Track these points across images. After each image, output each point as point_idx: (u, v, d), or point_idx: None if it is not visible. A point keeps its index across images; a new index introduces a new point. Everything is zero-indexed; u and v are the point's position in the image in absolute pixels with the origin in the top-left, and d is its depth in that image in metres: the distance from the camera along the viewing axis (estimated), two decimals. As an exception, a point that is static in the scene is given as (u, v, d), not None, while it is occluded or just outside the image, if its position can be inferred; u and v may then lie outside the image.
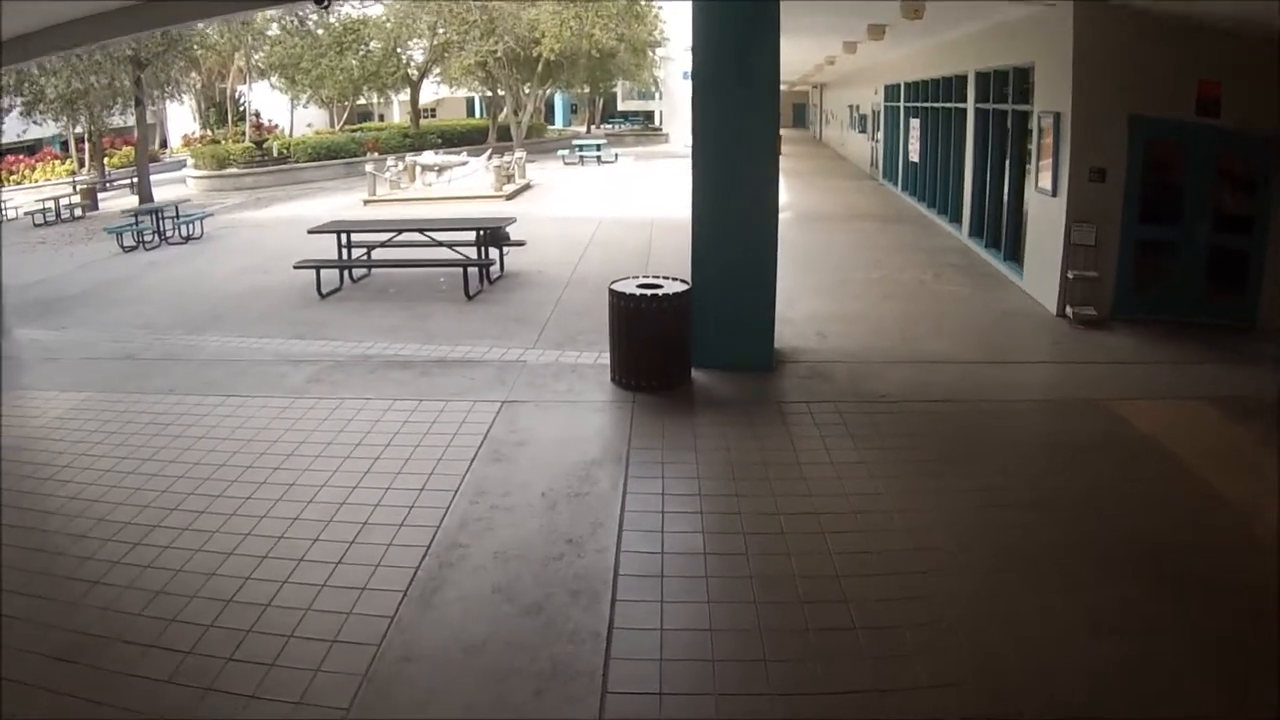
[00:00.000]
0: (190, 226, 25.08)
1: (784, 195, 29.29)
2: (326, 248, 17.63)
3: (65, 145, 53.29)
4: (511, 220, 17.84)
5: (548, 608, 6.20)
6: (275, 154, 42.93)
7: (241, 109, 55.18)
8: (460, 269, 16.11)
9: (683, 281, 11.00)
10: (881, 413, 10.03)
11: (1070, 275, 13.75)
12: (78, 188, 35.36)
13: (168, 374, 11.64)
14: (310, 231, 17.70)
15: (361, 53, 47.94)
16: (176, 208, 25.76)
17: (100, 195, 36.46)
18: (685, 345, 10.88)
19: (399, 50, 49.03)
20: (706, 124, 11.05)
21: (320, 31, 45.82)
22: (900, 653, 5.67)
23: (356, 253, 17.60)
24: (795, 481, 8.23)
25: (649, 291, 10.60)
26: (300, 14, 39.52)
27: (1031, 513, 7.51)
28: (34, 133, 46.89)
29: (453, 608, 6.25)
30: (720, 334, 11.15)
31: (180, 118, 63.78)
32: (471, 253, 17.05)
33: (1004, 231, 17.78)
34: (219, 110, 57.66)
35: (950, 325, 13.73)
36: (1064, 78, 13.69)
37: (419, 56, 50.86)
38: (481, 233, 16.86)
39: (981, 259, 18.77)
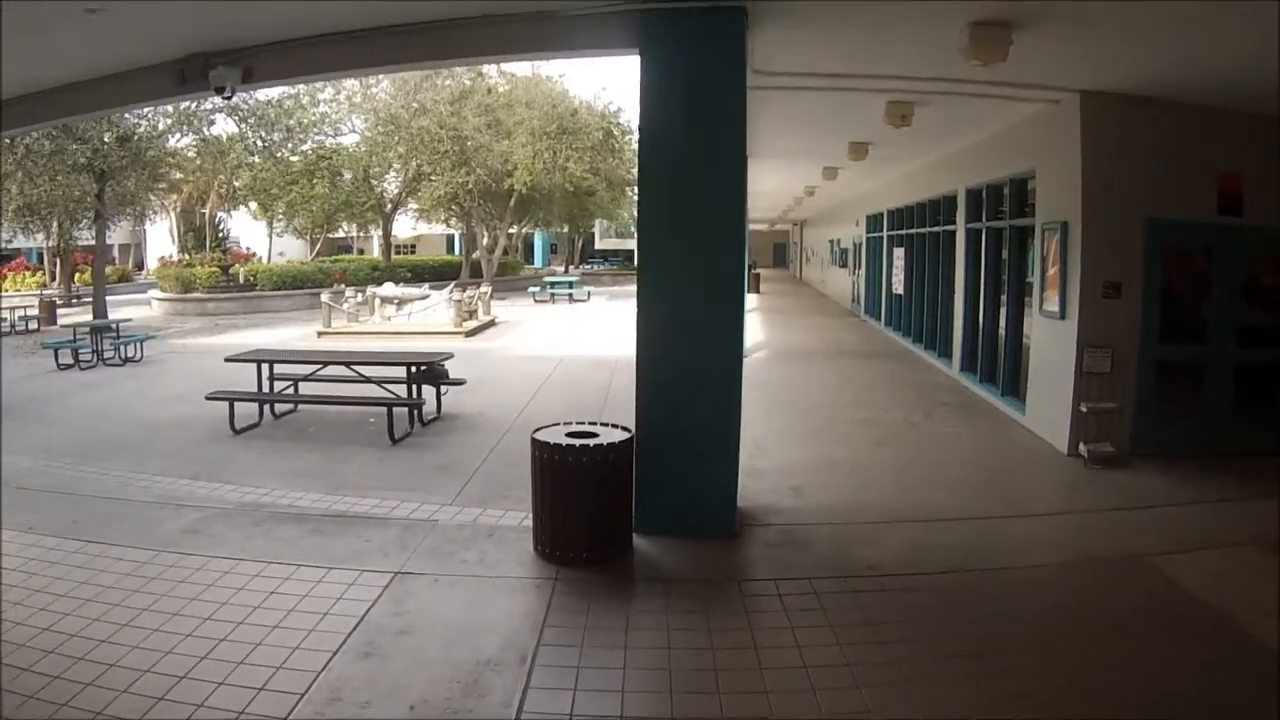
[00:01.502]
0: (129, 348, 23.68)
1: (758, 333, 28.36)
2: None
3: (40, 257, 52.91)
4: (448, 355, 15.90)
5: None
6: (241, 281, 41.53)
7: (221, 235, 54.45)
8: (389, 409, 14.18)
9: (624, 429, 9.09)
10: (871, 590, 8.07)
11: (1084, 408, 12.12)
12: (40, 301, 34.42)
13: (38, 508, 10.06)
14: (228, 360, 15.97)
15: (333, 182, 46.83)
16: (117, 326, 24.31)
17: (61, 310, 35.61)
18: (625, 507, 8.91)
19: (371, 180, 47.90)
20: (654, 231, 9.36)
21: (294, 159, 44.69)
22: None
23: (282, 386, 15.85)
24: (754, 696, 6.23)
25: (580, 442, 8.64)
26: (266, 140, 38.27)
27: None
28: (19, 242, 46.61)
29: None
30: (671, 491, 9.21)
31: (161, 240, 63.38)
32: (405, 392, 15.16)
33: (1001, 364, 16.24)
34: (198, 234, 57.12)
35: (948, 473, 12.01)
36: (1071, 181, 12.28)
37: (393, 188, 49.91)
38: (413, 369, 14.93)
39: (976, 395, 17.26)
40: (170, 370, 22.29)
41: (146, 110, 32.36)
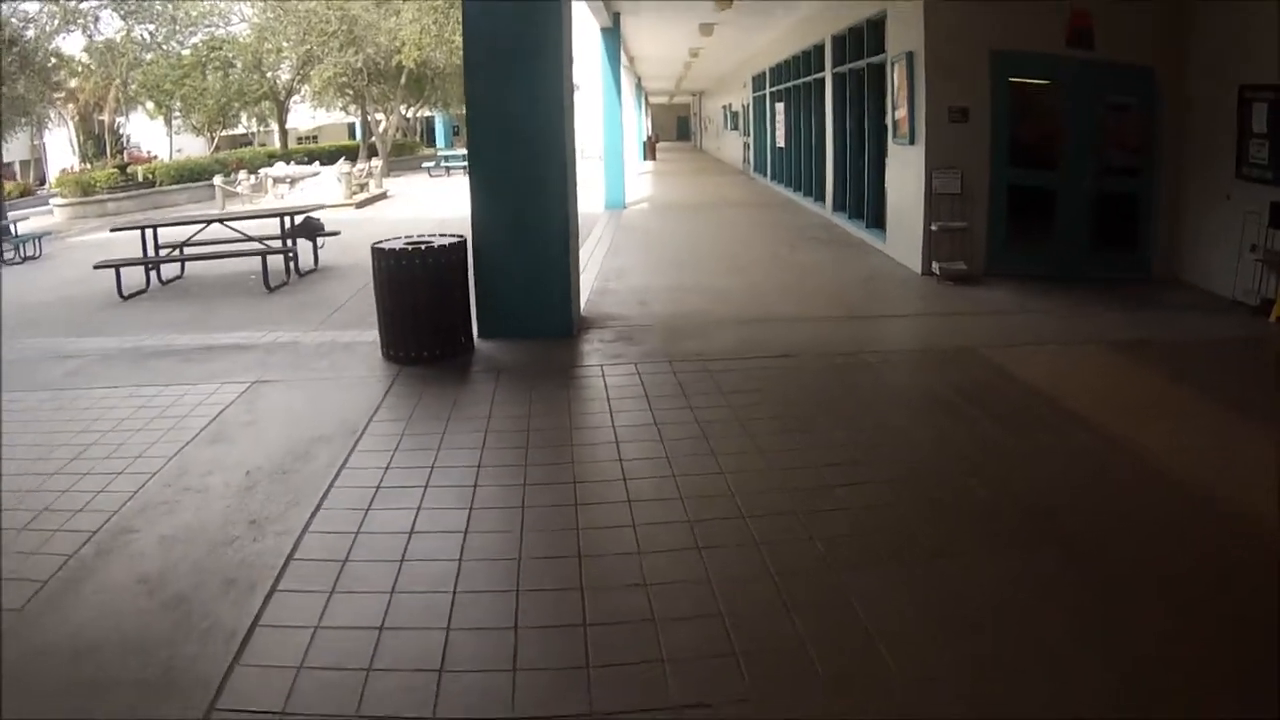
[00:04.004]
0: (28, 246, 23.32)
1: (646, 190, 28.55)
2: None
3: (-59, 178, 51.39)
4: (319, 206, 16.24)
5: (192, 600, 4.75)
6: (140, 179, 40.92)
7: (120, 140, 53.21)
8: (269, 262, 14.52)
9: (456, 236, 9.56)
10: (695, 372, 8.62)
11: (934, 227, 12.48)
12: None
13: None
14: (113, 229, 16.13)
15: (224, 73, 46.08)
16: (15, 226, 24.00)
17: None
18: (463, 309, 9.46)
19: (263, 69, 47.09)
20: (479, 56, 9.72)
21: (185, 52, 43.98)
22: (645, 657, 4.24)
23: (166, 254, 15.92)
24: (558, 449, 6.84)
25: (413, 246, 9.15)
26: (153, 34, 37.59)
27: (884, 482, 6.05)
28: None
29: (86, 602, 4.80)
30: (510, 299, 9.79)
31: (62, 154, 61.73)
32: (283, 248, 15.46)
33: (866, 198, 16.67)
34: (97, 142, 55.74)
35: (802, 290, 12.52)
36: (916, 15, 12.58)
37: (285, 76, 49.07)
38: (287, 222, 15.26)
39: (846, 231, 17.71)
40: (68, 262, 21.80)
41: (29, 11, 31.78)
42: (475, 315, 9.78)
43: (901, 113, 13.40)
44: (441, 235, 9.55)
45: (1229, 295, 10.85)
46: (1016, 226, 12.76)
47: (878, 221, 15.80)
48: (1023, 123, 12.84)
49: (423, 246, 9.08)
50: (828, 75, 19.41)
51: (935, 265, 12.55)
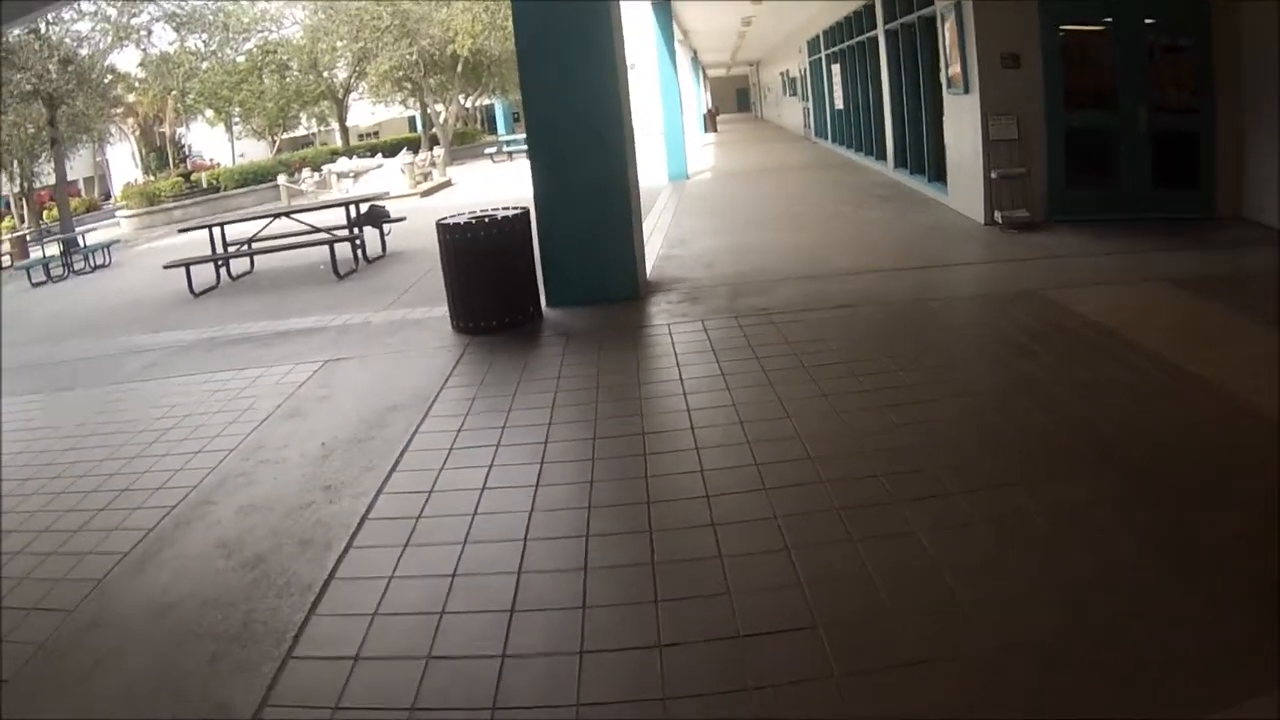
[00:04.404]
0: (98, 256, 23.90)
1: (708, 160, 28.48)
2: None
3: (9, 204, 52.20)
4: (385, 194, 16.36)
5: (269, 560, 4.81)
6: (205, 185, 41.43)
7: (183, 151, 53.82)
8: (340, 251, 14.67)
9: (519, 208, 9.56)
10: (758, 323, 8.54)
11: (994, 175, 12.19)
12: (7, 238, 34.17)
13: (9, 379, 10.29)
14: (181, 230, 16.35)
15: (281, 75, 46.54)
16: (83, 237, 24.52)
17: (33, 247, 35.38)
18: (529, 277, 9.48)
19: (319, 68, 47.48)
20: (530, 35, 9.69)
21: (240, 59, 44.48)
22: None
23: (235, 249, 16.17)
24: (626, 403, 6.81)
25: (477, 218, 9.19)
26: (207, 43, 38.06)
27: (947, 419, 5.92)
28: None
29: (167, 567, 4.92)
30: (577, 267, 9.78)
31: (125, 168, 62.55)
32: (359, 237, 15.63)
33: (926, 153, 16.36)
34: (159, 155, 56.46)
35: (864, 244, 12.33)
36: None
37: (342, 74, 49.43)
38: (352, 211, 15.38)
39: (909, 188, 17.36)
40: (137, 267, 22.45)
41: (82, 30, 32.24)
42: (542, 284, 9.80)
43: (955, 63, 13.14)
44: (504, 208, 9.53)
45: None
46: (1077, 170, 12.38)
47: (939, 175, 15.50)
48: (1076, 64, 12.47)
49: (485, 219, 9.09)
50: (880, 32, 19.08)
51: (997, 214, 12.28)
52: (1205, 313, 7.79)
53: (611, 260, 9.84)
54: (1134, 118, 11.77)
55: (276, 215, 15.70)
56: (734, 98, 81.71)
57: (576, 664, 3.69)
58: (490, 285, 9.14)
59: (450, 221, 9.20)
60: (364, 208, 16.00)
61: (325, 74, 48.72)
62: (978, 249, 11.42)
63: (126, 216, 39.17)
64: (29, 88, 30.67)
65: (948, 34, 13.24)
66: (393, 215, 16.78)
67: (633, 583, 4.25)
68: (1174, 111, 11.95)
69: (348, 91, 50.81)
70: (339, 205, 15.72)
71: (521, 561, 4.52)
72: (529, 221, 9.45)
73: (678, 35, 28.14)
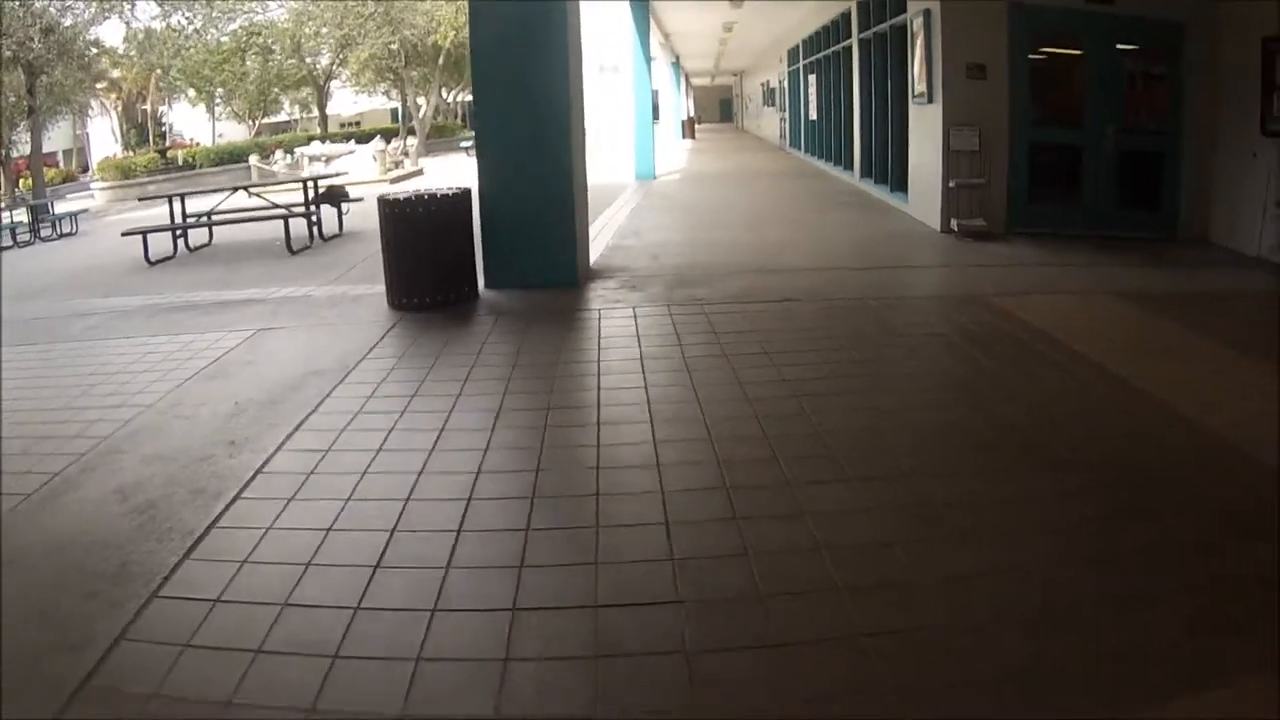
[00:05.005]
0: (65, 224, 23.85)
1: (679, 163, 28.60)
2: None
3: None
4: (344, 174, 16.39)
5: (159, 506, 4.83)
6: (180, 163, 41.33)
7: (163, 128, 53.64)
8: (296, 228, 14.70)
9: (460, 188, 9.60)
10: (690, 315, 8.59)
11: (952, 184, 12.26)
12: None
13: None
14: (140, 199, 16.33)
15: (264, 58, 46.45)
16: (52, 205, 24.49)
17: (5, 215, 35.17)
18: (467, 259, 9.51)
19: (301, 52, 47.40)
20: (488, 33, 9.77)
21: (224, 39, 44.38)
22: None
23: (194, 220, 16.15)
24: (539, 380, 6.86)
25: (416, 194, 9.21)
26: (189, 20, 37.96)
27: (864, 409, 5.95)
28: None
29: (66, 510, 4.94)
30: (517, 252, 9.80)
31: (105, 143, 62.28)
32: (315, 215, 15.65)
33: (890, 163, 16.49)
34: (140, 131, 56.27)
35: (816, 245, 12.44)
36: None
37: (325, 61, 49.37)
38: (310, 187, 15.42)
39: (873, 197, 17.51)
40: (103, 237, 22.26)
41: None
42: (483, 267, 9.84)
43: (920, 71, 13.23)
44: (447, 188, 9.57)
45: (1254, 253, 10.54)
46: (1040, 184, 12.52)
47: (901, 185, 15.54)
48: (1045, 80, 12.63)
49: (425, 195, 9.12)
50: (854, 42, 19.28)
51: (954, 222, 12.36)
52: (1152, 326, 7.88)
53: (551, 247, 9.86)
54: (1102, 135, 11.92)
55: (235, 189, 15.70)
56: (717, 108, 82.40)
57: (427, 621, 3.72)
58: (428, 263, 9.15)
59: (391, 196, 9.23)
60: (324, 185, 15.98)
61: (308, 59, 48.63)
62: (930, 254, 11.52)
63: (101, 189, 39.06)
64: (9, 54, 30.50)
65: (917, 41, 13.31)
66: (355, 197, 16.78)
67: (504, 547, 4.29)
68: (1142, 132, 12.12)
69: (329, 78, 50.74)
70: (298, 183, 15.69)
71: (398, 521, 4.56)
72: (469, 201, 9.49)
73: (659, 38, 28.21)
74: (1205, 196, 11.58)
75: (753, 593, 3.84)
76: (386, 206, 9.16)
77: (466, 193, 9.46)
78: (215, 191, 16.01)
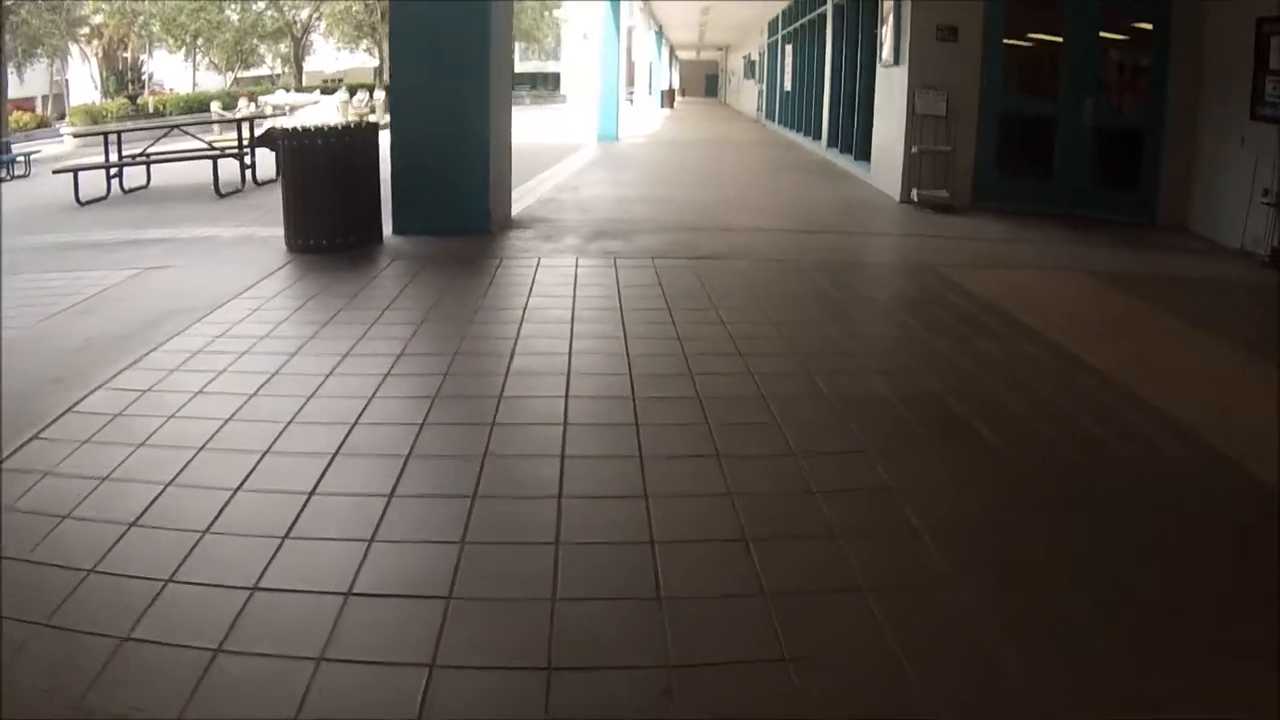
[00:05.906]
0: (16, 166, 23.31)
1: (650, 128, 28.33)
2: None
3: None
4: (282, 113, 15.95)
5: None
6: (151, 110, 40.81)
7: (143, 77, 53.11)
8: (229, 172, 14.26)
9: (366, 123, 9.18)
10: (600, 266, 8.20)
11: (914, 149, 11.73)
12: None
13: None
14: (75, 134, 15.87)
15: (242, 7, 45.93)
16: (8, 148, 24.00)
17: None
18: (372, 201, 9.07)
19: (279, 3, 46.86)
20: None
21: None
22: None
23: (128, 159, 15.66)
24: (408, 326, 6.44)
25: (316, 127, 8.76)
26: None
27: (759, 373, 5.42)
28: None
29: None
30: (426, 198, 9.40)
31: (86, 90, 61.66)
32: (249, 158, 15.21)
33: (856, 133, 16.09)
34: (120, 79, 55.67)
35: (762, 207, 12.10)
36: None
37: (304, 14, 48.88)
38: (244, 126, 14.99)
39: (837, 167, 17.15)
40: (52, 179, 21.98)
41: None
42: (391, 213, 9.43)
43: (888, 32, 12.76)
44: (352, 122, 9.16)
45: (1237, 245, 9.76)
46: (1010, 157, 11.98)
47: (866, 154, 15.12)
48: (1021, 46, 12.14)
49: (325, 128, 8.68)
50: (829, 7, 18.89)
51: (915, 192, 11.84)
52: (1113, 303, 7.45)
53: (463, 194, 9.49)
54: (1079, 108, 11.25)
55: (170, 127, 15.30)
56: (703, 82, 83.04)
57: (193, 540, 3.47)
58: (327, 203, 8.70)
59: (289, 128, 8.78)
60: (260, 129, 15.55)
61: (288, 10, 48.07)
62: (883, 223, 11.17)
63: (71, 135, 38.53)
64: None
65: (888, 3, 12.81)
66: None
67: (286, 509, 3.85)
68: (1122, 108, 11.54)
69: (306, 31, 50.16)
70: (233, 122, 15.26)
71: (181, 472, 4.10)
72: (375, 138, 9.05)
73: (639, 4, 27.91)
74: (1188, 183, 10.81)
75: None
76: (284, 138, 8.68)
77: (371, 127, 9.03)
78: (151, 129, 15.50)
